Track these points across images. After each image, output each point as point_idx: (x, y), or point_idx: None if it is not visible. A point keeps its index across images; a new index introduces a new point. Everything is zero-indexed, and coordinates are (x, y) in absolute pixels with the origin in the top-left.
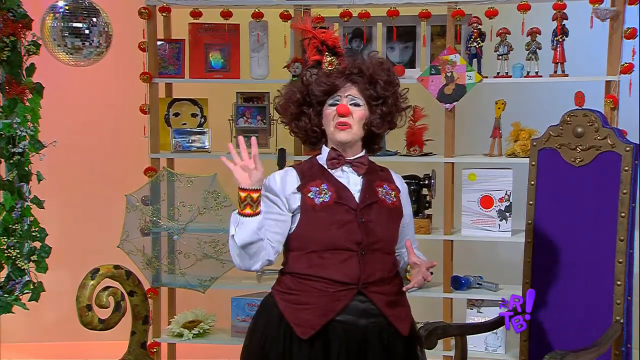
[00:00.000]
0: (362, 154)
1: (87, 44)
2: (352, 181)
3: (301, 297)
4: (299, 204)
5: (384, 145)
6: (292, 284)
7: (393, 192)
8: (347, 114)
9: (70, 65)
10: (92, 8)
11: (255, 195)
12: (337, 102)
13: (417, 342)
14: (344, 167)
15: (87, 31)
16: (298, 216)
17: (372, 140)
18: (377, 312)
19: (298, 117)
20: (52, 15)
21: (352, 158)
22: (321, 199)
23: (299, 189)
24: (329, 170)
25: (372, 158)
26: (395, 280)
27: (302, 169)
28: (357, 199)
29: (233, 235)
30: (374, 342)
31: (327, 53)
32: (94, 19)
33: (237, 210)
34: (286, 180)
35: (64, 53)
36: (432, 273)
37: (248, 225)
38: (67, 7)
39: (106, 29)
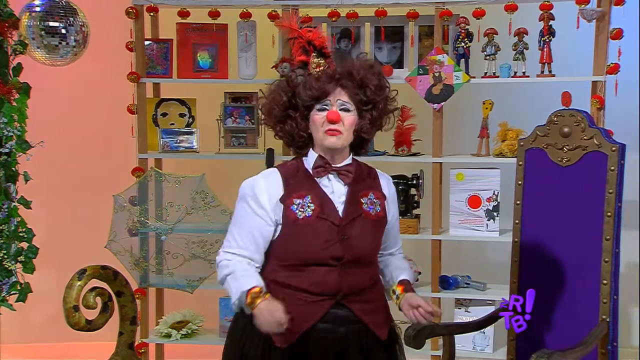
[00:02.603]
0: (349, 160)
1: (63, 43)
2: (336, 191)
3: None
4: (281, 215)
5: (371, 147)
6: (271, 291)
7: (378, 201)
8: (338, 121)
9: (46, 64)
10: (69, 7)
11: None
12: (327, 108)
13: (397, 346)
14: (330, 175)
15: (63, 30)
16: (280, 227)
17: (360, 145)
18: (355, 319)
19: (283, 120)
20: (28, 14)
21: (339, 166)
22: (303, 214)
23: (282, 200)
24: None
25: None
26: (375, 287)
27: (287, 173)
28: (340, 213)
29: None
30: (353, 348)
31: (314, 54)
32: (71, 18)
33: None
34: (272, 190)
35: (41, 52)
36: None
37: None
38: (43, 6)
39: (83, 29)
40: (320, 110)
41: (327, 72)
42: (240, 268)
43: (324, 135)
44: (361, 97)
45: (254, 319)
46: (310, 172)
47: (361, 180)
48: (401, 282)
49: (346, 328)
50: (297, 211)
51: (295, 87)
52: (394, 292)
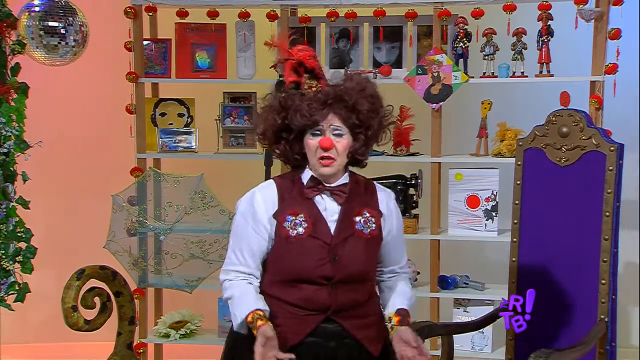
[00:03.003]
0: (345, 180)
1: (62, 43)
2: (329, 209)
3: (272, 318)
4: (274, 231)
5: None
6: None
7: (373, 219)
8: (330, 148)
9: (46, 64)
10: (68, 7)
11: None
12: (319, 133)
13: None
14: (323, 195)
15: (63, 30)
16: (272, 242)
17: (356, 163)
18: (347, 334)
19: (277, 141)
20: (27, 14)
21: (333, 185)
22: (295, 232)
23: (275, 215)
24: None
25: None
26: (370, 302)
27: (283, 187)
28: (332, 232)
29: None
30: None
31: (305, 75)
32: (70, 18)
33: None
34: (267, 204)
35: (40, 52)
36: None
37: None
38: (42, 6)
39: (83, 28)
40: (313, 135)
41: (319, 98)
42: (240, 291)
43: (318, 163)
44: (354, 120)
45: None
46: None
47: (357, 197)
48: (398, 313)
49: (336, 343)
50: (289, 228)
51: (288, 109)
52: (389, 319)
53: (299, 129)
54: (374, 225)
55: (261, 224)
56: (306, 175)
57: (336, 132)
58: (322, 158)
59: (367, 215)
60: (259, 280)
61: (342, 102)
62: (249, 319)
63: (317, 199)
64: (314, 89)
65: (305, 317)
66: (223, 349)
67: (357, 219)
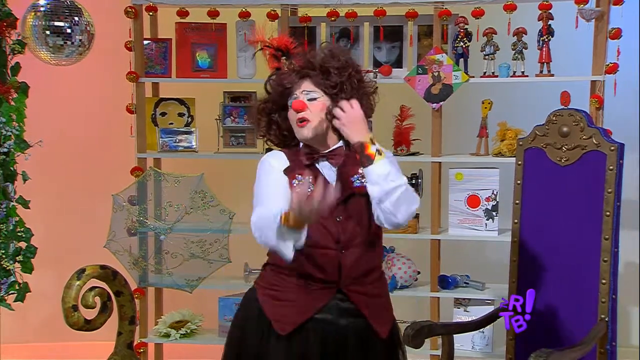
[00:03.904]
0: (339, 144)
1: (68, 43)
2: (326, 174)
3: (281, 293)
4: None
5: None
6: (273, 279)
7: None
8: (302, 109)
9: (51, 64)
10: (74, 7)
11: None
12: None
13: (398, 346)
14: (320, 162)
15: (69, 30)
16: None
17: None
18: (357, 312)
19: (269, 126)
20: (33, 13)
21: (327, 151)
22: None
23: (286, 172)
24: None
25: None
26: (379, 282)
27: (290, 155)
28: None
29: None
30: (352, 342)
31: (283, 58)
32: (76, 18)
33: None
34: (281, 161)
35: (46, 52)
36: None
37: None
38: (48, 6)
39: (88, 28)
40: (291, 104)
41: (292, 69)
42: (263, 221)
43: (297, 128)
44: (326, 81)
45: (308, 221)
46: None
47: (353, 159)
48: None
49: (347, 321)
50: (298, 188)
51: (271, 92)
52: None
53: (280, 104)
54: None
55: (279, 172)
56: (302, 145)
57: (309, 95)
58: (298, 120)
59: (363, 170)
60: None
61: (311, 67)
62: (283, 216)
63: (318, 165)
64: (292, 67)
65: (316, 291)
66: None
67: (354, 177)
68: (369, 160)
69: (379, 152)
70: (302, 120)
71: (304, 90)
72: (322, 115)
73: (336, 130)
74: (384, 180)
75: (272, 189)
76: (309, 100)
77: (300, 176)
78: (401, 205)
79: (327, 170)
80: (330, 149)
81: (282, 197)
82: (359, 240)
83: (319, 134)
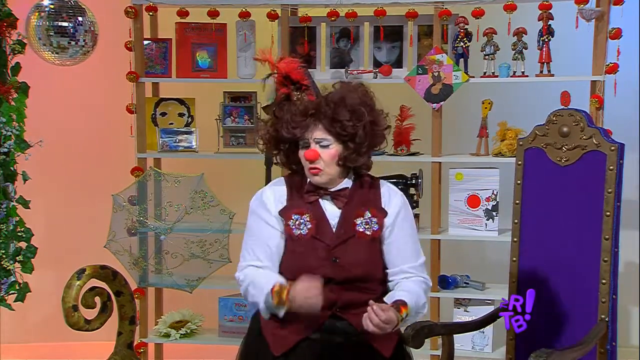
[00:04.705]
0: (345, 184)
1: (72, 43)
2: (330, 212)
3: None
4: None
5: None
6: None
7: (375, 219)
8: (315, 159)
9: (55, 64)
10: (77, 7)
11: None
12: (307, 146)
13: None
14: (324, 199)
15: (72, 30)
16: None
17: (357, 167)
18: (355, 330)
19: (278, 152)
20: (37, 14)
21: (333, 190)
22: (299, 232)
23: (281, 213)
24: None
25: None
26: (380, 300)
27: (292, 186)
28: (334, 234)
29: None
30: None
31: (292, 87)
32: (80, 18)
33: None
34: (277, 199)
35: (50, 52)
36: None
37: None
38: (52, 6)
39: (92, 28)
40: (303, 147)
41: (302, 110)
42: (256, 275)
43: (309, 173)
44: (337, 130)
45: (291, 310)
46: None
47: (359, 199)
48: (394, 302)
49: (344, 339)
50: (293, 227)
51: (280, 121)
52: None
53: (290, 140)
54: (376, 225)
55: (274, 218)
56: (308, 182)
57: (321, 143)
58: (311, 168)
59: (369, 215)
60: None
61: (323, 113)
62: (275, 288)
63: (320, 202)
64: (302, 100)
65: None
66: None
67: (359, 220)
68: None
69: (401, 309)
70: (315, 169)
71: (315, 138)
72: (334, 162)
73: (344, 171)
74: (414, 317)
75: (258, 242)
76: (321, 147)
77: (296, 216)
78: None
79: (331, 206)
80: (337, 189)
81: (267, 255)
82: (354, 280)
83: (331, 179)
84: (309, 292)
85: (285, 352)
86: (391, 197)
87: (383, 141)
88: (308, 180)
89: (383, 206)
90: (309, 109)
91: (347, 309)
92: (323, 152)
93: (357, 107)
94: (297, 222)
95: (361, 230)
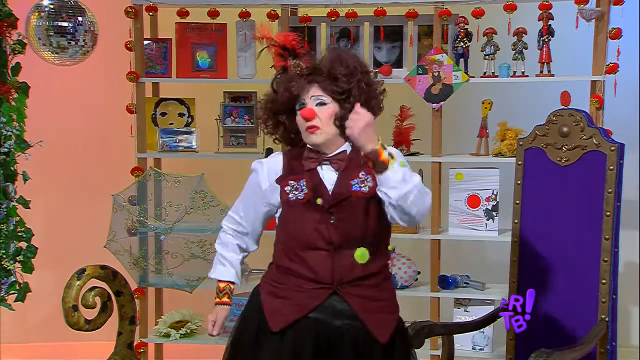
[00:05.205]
0: (343, 148)
1: (72, 43)
2: (327, 178)
3: (279, 290)
4: (279, 197)
5: None
6: (276, 276)
7: (369, 177)
8: (312, 117)
9: (55, 64)
10: (77, 7)
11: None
12: (303, 106)
13: (402, 350)
14: (323, 165)
15: (72, 30)
16: (280, 209)
17: None
18: (354, 314)
19: (277, 126)
20: (37, 14)
21: (331, 155)
22: (296, 196)
23: (278, 181)
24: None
25: None
26: (382, 285)
27: (291, 157)
28: (330, 196)
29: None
30: (347, 345)
31: (289, 57)
32: (80, 18)
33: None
34: (272, 172)
35: (50, 52)
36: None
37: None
38: (52, 6)
39: (92, 28)
40: (299, 109)
41: (300, 73)
42: (223, 251)
43: (306, 134)
44: (334, 87)
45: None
46: None
47: (356, 162)
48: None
49: (342, 322)
50: (290, 193)
51: (278, 92)
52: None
53: (287, 106)
54: (372, 182)
55: (260, 189)
56: (307, 149)
57: (318, 101)
58: (308, 127)
59: (364, 174)
60: (249, 231)
61: (319, 72)
62: (222, 286)
63: (318, 169)
64: (299, 68)
65: (311, 290)
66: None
67: (354, 181)
68: (383, 167)
69: (390, 155)
70: (312, 127)
71: (312, 96)
72: (331, 121)
73: (343, 134)
74: (401, 183)
75: (245, 203)
76: (318, 105)
77: (293, 182)
78: (417, 204)
79: (328, 172)
80: (335, 153)
81: (249, 216)
82: (354, 243)
83: (328, 139)
84: (213, 318)
85: (283, 328)
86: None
87: (380, 105)
88: (307, 148)
89: None
90: (304, 71)
91: (346, 286)
92: (320, 110)
93: (352, 64)
94: (293, 188)
95: (356, 189)
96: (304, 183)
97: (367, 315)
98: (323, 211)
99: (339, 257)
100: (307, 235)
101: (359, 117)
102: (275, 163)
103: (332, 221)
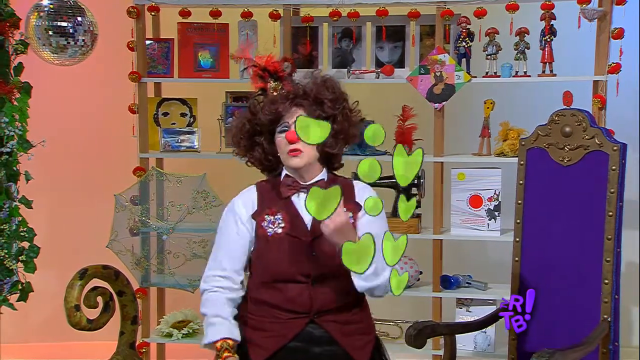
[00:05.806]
0: (321, 176)
1: (72, 43)
2: (303, 209)
3: (256, 322)
4: (254, 232)
5: (372, 146)
6: (251, 308)
7: (350, 213)
8: (296, 140)
9: (55, 64)
10: (77, 7)
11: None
12: (286, 129)
13: None
14: (300, 193)
15: (72, 30)
16: (254, 243)
17: (329, 160)
18: (332, 340)
19: (252, 148)
20: (36, 14)
21: (308, 183)
22: (273, 231)
23: (254, 216)
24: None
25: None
26: (355, 308)
27: (263, 190)
28: (309, 229)
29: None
30: None
31: (269, 79)
32: (79, 18)
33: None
34: (248, 206)
35: (49, 52)
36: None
37: None
38: (51, 6)
39: (91, 28)
40: (281, 132)
41: (282, 94)
42: (212, 311)
43: (287, 157)
44: (319, 112)
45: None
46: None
47: None
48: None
49: (321, 349)
50: (267, 228)
51: (257, 114)
52: None
53: (268, 128)
54: (351, 219)
55: (243, 226)
56: (284, 175)
57: None
58: (291, 151)
59: (344, 209)
60: (239, 282)
61: (304, 96)
62: (218, 345)
63: (295, 198)
64: (278, 91)
65: (288, 321)
66: None
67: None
68: None
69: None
70: (295, 150)
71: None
72: (313, 146)
73: (322, 159)
74: (371, 276)
75: (224, 250)
76: None
77: (269, 216)
78: (380, 293)
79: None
80: (312, 181)
81: (232, 261)
82: (334, 276)
83: (310, 163)
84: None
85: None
86: (365, 193)
87: (357, 134)
88: (283, 175)
89: (357, 199)
90: (291, 93)
91: (323, 315)
92: None
93: (337, 91)
94: (270, 222)
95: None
96: (280, 217)
97: (345, 339)
98: (303, 244)
99: (318, 288)
100: (284, 270)
101: (334, 218)
102: (249, 198)
103: (313, 253)
